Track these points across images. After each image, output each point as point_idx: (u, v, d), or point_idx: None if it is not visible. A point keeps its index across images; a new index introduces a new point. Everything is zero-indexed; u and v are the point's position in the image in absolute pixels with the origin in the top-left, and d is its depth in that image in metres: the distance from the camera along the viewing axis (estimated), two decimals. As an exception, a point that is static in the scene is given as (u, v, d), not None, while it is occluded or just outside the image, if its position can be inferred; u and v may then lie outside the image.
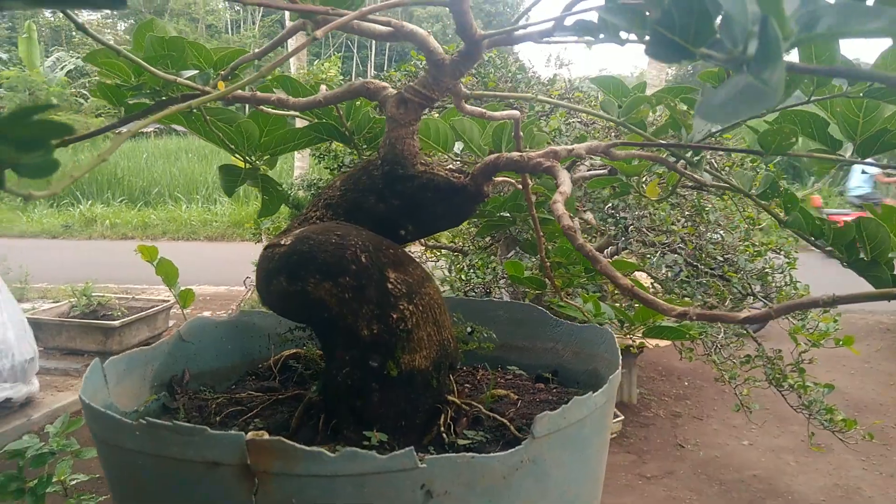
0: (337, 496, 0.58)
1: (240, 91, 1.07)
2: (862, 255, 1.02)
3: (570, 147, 0.91)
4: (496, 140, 1.27)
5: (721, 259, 2.10)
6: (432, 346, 0.83)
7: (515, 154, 0.91)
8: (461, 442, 0.78)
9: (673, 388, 5.34)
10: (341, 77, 4.45)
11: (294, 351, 1.07)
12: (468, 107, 0.99)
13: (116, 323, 4.92)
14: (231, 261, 7.99)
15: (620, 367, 0.80)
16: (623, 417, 4.23)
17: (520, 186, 1.18)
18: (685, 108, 0.97)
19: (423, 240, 2.59)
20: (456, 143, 1.34)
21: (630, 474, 3.79)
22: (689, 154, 1.00)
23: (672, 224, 2.18)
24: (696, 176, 1.01)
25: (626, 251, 2.30)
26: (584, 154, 0.92)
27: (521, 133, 1.14)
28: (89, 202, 12.59)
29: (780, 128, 0.85)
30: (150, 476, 0.64)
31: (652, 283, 2.47)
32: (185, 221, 11.57)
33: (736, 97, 0.39)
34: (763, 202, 1.03)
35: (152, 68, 0.92)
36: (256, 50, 1.07)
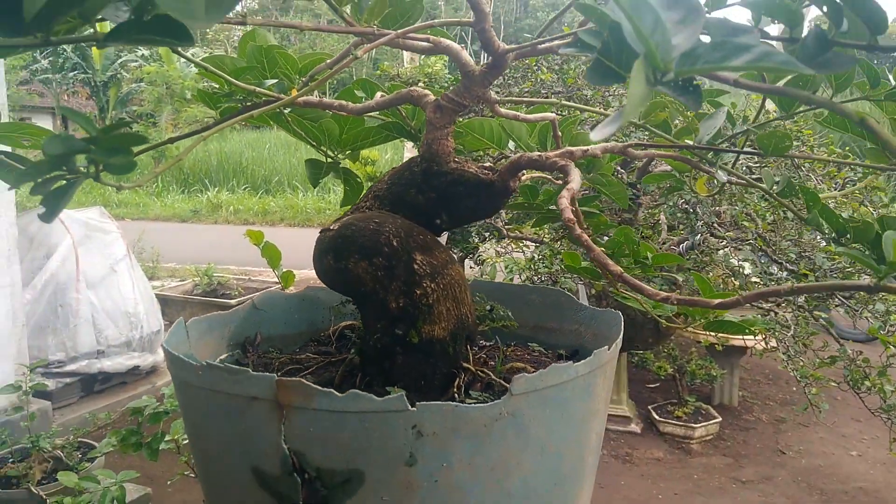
0: (344, 428, 0.73)
1: (310, 97, 1.25)
2: (889, 256, 1.05)
3: (585, 147, 1.01)
4: (542, 139, 1.38)
5: (795, 256, 2.08)
6: (451, 319, 0.96)
7: (535, 154, 1.02)
8: (468, 401, 0.91)
9: (779, 392, 5.15)
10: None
11: (349, 323, 1.24)
12: (502, 110, 1.11)
13: (233, 301, 5.35)
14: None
15: (617, 346, 0.90)
16: (720, 419, 4.17)
17: (557, 182, 1.29)
18: (691, 113, 1.04)
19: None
20: (510, 142, 1.46)
21: (724, 477, 3.74)
22: (709, 154, 1.08)
23: (744, 220, 2.19)
24: (714, 174, 1.08)
25: (697, 248, 2.32)
26: (598, 154, 1.02)
27: (561, 133, 1.25)
28: (216, 189, 13.60)
29: (774, 131, 0.91)
30: (208, 406, 0.82)
31: (734, 268, 2.46)
32: (301, 209, 12.27)
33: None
34: (784, 199, 1.08)
35: (236, 81, 1.11)
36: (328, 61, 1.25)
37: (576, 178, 0.95)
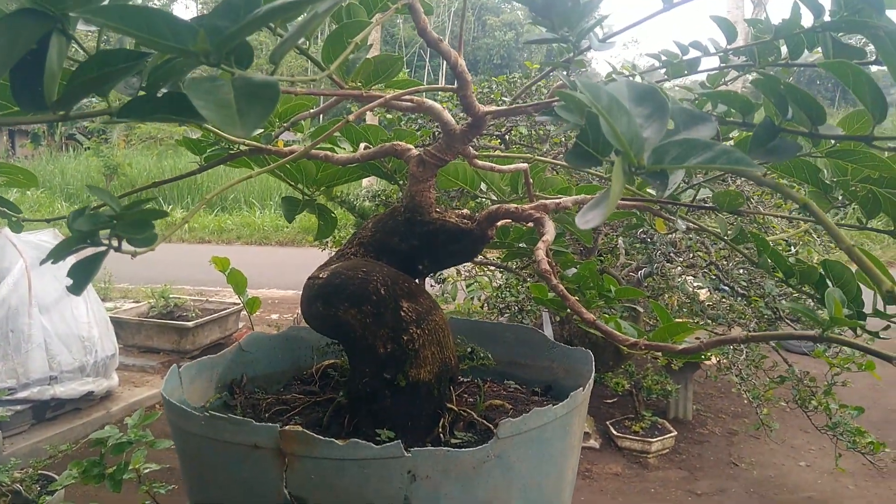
0: (344, 474, 0.78)
1: (295, 146, 1.31)
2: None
3: (557, 199, 1.09)
4: (513, 182, 1.46)
5: (745, 283, 2.21)
6: (435, 362, 1.03)
7: (512, 206, 1.09)
8: (454, 441, 0.97)
9: (731, 405, 5.32)
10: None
11: (332, 361, 1.29)
12: (479, 162, 1.19)
13: (190, 324, 5.28)
14: (300, 265, 8.37)
15: (589, 386, 0.98)
16: (676, 433, 4.29)
17: (529, 225, 1.37)
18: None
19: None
20: (481, 184, 1.54)
21: (680, 490, 3.85)
22: (668, 205, 1.17)
23: (698, 250, 2.31)
24: (675, 222, 1.17)
25: (655, 275, 2.44)
26: (570, 206, 1.10)
27: (532, 179, 1.33)
28: (170, 207, 13.37)
29: (729, 191, 1.01)
30: (210, 454, 0.87)
31: (701, 300, 2.59)
32: (258, 227, 12.15)
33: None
34: (737, 246, 1.18)
35: (225, 134, 1.16)
36: (313, 109, 1.31)
37: (550, 231, 1.03)
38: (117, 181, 14.25)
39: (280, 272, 8.58)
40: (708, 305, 2.41)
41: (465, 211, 1.22)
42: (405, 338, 1.01)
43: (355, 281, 1.03)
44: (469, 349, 1.18)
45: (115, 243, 0.66)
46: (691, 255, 2.38)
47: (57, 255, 0.63)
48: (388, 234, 1.15)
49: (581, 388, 0.95)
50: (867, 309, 1.03)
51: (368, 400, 1.02)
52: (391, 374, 1.00)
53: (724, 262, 2.30)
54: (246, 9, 0.62)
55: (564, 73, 0.94)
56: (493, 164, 1.21)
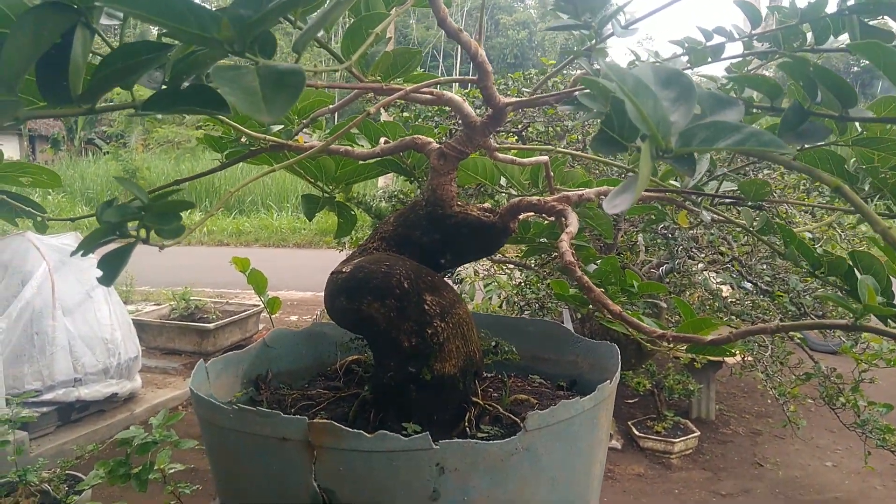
0: (373, 467, 0.78)
1: (314, 142, 1.31)
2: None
3: (580, 191, 1.09)
4: (533, 176, 1.45)
5: (769, 279, 2.19)
6: (460, 356, 1.02)
7: (535, 198, 1.09)
8: (480, 435, 0.97)
9: (755, 405, 5.26)
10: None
11: (356, 357, 1.29)
12: (500, 155, 1.18)
13: (211, 326, 5.32)
14: (318, 267, 8.41)
15: (616, 380, 0.97)
16: (699, 433, 4.25)
17: (551, 219, 1.36)
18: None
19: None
20: (501, 178, 1.53)
21: (704, 491, 3.82)
22: (692, 197, 1.16)
23: (720, 245, 2.29)
24: (700, 213, 1.16)
25: (676, 271, 2.42)
26: (592, 198, 1.10)
27: (553, 173, 1.32)
28: (189, 210, 13.48)
29: (755, 180, 0.99)
30: (238, 447, 0.87)
31: (714, 292, 2.56)
32: (276, 229, 12.22)
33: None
34: (763, 237, 1.17)
35: (245, 129, 1.16)
36: (331, 106, 1.31)
37: (574, 223, 1.03)
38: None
39: (298, 274, 8.63)
40: (731, 302, 2.38)
41: (487, 205, 1.21)
42: (429, 331, 1.00)
43: (378, 275, 1.03)
44: (493, 343, 1.18)
45: (143, 234, 0.67)
46: (713, 250, 2.35)
47: (87, 246, 0.64)
48: (409, 227, 1.15)
49: (608, 381, 0.94)
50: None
51: (394, 394, 1.01)
52: (416, 368, 1.00)
53: (747, 258, 2.27)
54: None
55: (586, 61, 0.93)
56: (514, 158, 1.21)
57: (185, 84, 0.77)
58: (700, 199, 1.12)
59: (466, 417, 1.02)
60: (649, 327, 0.94)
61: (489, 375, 1.22)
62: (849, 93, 0.67)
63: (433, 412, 1.00)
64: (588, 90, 0.78)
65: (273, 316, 3.04)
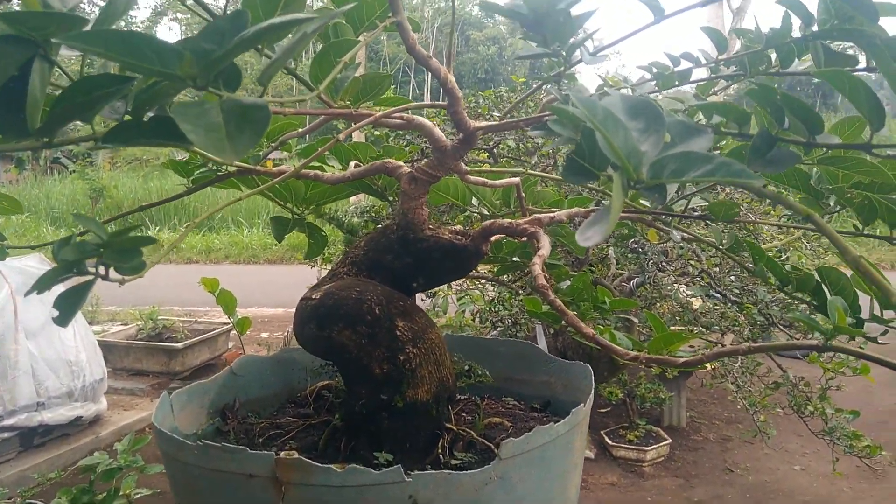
0: (343, 501, 0.76)
1: (284, 167, 1.29)
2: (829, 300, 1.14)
3: (551, 213, 1.08)
4: (505, 196, 1.45)
5: (738, 291, 2.21)
6: (433, 382, 1.01)
7: (506, 221, 1.08)
8: (454, 462, 0.95)
9: (724, 410, 5.31)
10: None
11: (326, 382, 1.27)
12: (471, 178, 1.18)
13: (179, 345, 5.22)
14: (288, 284, 8.33)
15: (590, 402, 0.96)
16: (670, 441, 4.27)
17: (523, 239, 1.36)
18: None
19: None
20: (472, 198, 1.53)
21: (677, 498, 3.83)
22: (662, 216, 1.16)
23: (690, 259, 2.31)
24: (670, 233, 1.16)
25: (647, 284, 2.44)
26: (564, 219, 1.09)
27: (524, 193, 1.32)
28: (157, 228, 13.28)
29: (723, 201, 1.00)
30: (204, 483, 0.84)
31: (694, 309, 2.59)
32: (246, 246, 12.08)
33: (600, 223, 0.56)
34: (732, 254, 1.18)
35: (212, 156, 1.14)
36: (300, 130, 1.30)
37: (546, 245, 1.02)
38: (103, 204, 14.15)
39: (269, 290, 8.52)
40: (700, 313, 2.41)
41: (458, 227, 1.20)
42: (401, 357, 0.99)
43: (349, 301, 1.01)
44: (466, 367, 1.17)
45: (102, 272, 0.64)
46: (682, 263, 2.38)
47: (43, 285, 0.61)
48: (380, 252, 1.13)
49: (582, 405, 0.93)
50: (864, 314, 1.03)
51: (365, 422, 1.00)
52: (388, 395, 0.98)
53: (716, 270, 2.30)
54: (232, 31, 0.61)
55: (555, 87, 0.93)
56: (485, 179, 1.20)
57: (148, 115, 0.75)
58: (670, 218, 1.13)
59: (440, 444, 1.00)
60: (622, 349, 0.94)
61: (462, 398, 1.21)
62: (815, 120, 0.68)
63: (406, 440, 0.99)
64: (557, 117, 0.77)
65: (243, 335, 3.00)
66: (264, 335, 6.97)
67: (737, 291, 2.14)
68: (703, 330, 2.34)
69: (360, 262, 1.14)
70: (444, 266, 1.13)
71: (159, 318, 5.85)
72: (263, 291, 8.44)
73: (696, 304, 2.35)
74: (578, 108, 0.62)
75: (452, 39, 0.97)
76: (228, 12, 0.62)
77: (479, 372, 1.16)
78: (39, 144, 0.68)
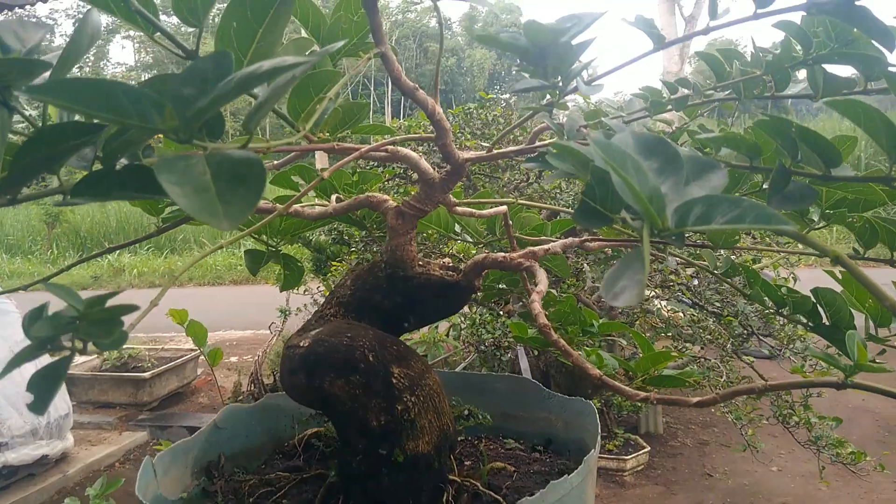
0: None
1: (262, 204, 1.23)
2: (824, 321, 1.12)
3: (546, 246, 1.04)
4: (490, 224, 1.41)
5: (719, 305, 2.21)
6: (433, 431, 0.96)
7: (500, 255, 1.04)
8: (461, 518, 0.90)
9: (700, 415, 5.34)
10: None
11: (315, 430, 1.20)
12: (459, 209, 1.13)
13: (147, 375, 5.06)
14: (256, 304, 8.17)
15: (598, 444, 0.92)
16: (649, 448, 4.27)
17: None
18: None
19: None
20: (456, 225, 1.49)
21: (660, 507, 3.83)
22: (659, 243, 1.13)
23: (670, 274, 2.31)
24: (665, 256, 1.14)
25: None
26: (559, 251, 1.06)
27: (511, 220, 1.28)
28: (117, 252, 12.95)
29: (723, 229, 0.98)
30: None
31: (667, 320, 2.58)
32: (210, 267, 11.83)
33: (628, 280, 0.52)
34: (726, 279, 1.15)
35: (206, 222, 1.07)
36: (275, 162, 1.24)
37: (543, 281, 0.98)
38: (60, 229, 13.74)
39: (236, 312, 8.34)
40: (682, 326, 2.40)
41: (447, 260, 1.16)
42: (399, 407, 0.93)
43: (340, 348, 0.95)
44: (466, 411, 1.12)
45: (79, 345, 0.58)
46: (662, 277, 2.37)
47: (13, 366, 0.55)
48: (369, 291, 1.08)
49: (592, 450, 0.89)
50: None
51: (364, 479, 0.94)
52: (387, 449, 0.93)
53: (695, 284, 2.30)
54: (215, 74, 0.56)
55: (547, 116, 0.90)
56: (473, 210, 1.16)
57: (121, 163, 0.69)
58: (665, 246, 1.10)
59: (444, 499, 0.95)
60: (633, 391, 0.90)
61: (460, 439, 1.16)
62: (833, 153, 0.65)
63: (408, 496, 0.93)
64: (558, 152, 0.74)
65: (246, 405, 2.87)
66: (234, 359, 6.82)
67: (718, 304, 2.13)
68: (688, 346, 2.33)
69: (347, 302, 1.09)
70: (435, 303, 1.08)
71: (124, 346, 5.66)
72: (230, 313, 8.26)
73: (681, 318, 2.34)
74: (593, 149, 0.58)
75: (438, 69, 0.93)
76: (209, 53, 0.57)
77: (480, 416, 1.11)
78: (6, 202, 0.62)
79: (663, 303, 2.42)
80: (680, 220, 0.55)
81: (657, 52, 0.81)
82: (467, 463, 1.07)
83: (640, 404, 4.29)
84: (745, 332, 2.27)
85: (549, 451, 1.16)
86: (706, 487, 4.04)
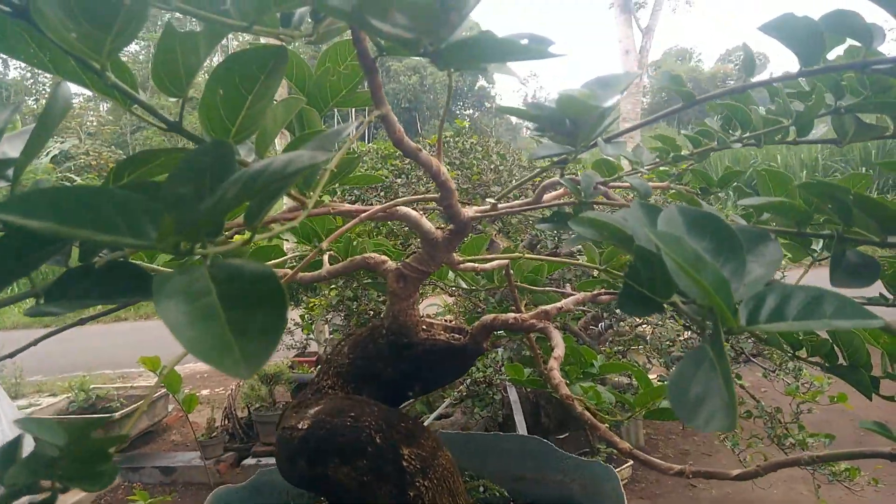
0: None
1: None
2: (840, 361, 1.08)
3: (559, 305, 0.98)
4: (488, 274, 1.35)
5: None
6: (450, 516, 0.88)
7: (511, 316, 0.97)
8: None
9: (679, 425, 5.33)
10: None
11: (314, 506, 1.12)
12: (463, 266, 1.06)
13: (116, 415, 4.86)
14: (227, 335, 7.94)
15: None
16: (631, 462, 4.22)
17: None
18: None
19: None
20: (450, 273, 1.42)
21: (647, 521, 3.78)
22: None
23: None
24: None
25: (613, 329, 2.38)
26: (571, 308, 0.99)
27: (512, 270, 1.22)
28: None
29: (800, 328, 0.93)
30: None
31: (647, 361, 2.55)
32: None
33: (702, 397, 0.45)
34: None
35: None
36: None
37: (560, 344, 0.91)
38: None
39: (205, 343, 8.10)
40: (671, 353, 2.36)
41: (450, 318, 1.09)
42: (412, 494, 0.86)
43: (344, 430, 0.87)
44: (481, 486, 1.04)
45: (61, 488, 0.50)
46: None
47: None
48: (370, 360, 1.00)
49: (625, 531, 0.82)
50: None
51: (377, 575, 0.86)
52: (401, 541, 0.85)
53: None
54: (215, 172, 0.48)
55: (561, 173, 0.84)
56: (475, 265, 1.09)
57: (101, 260, 0.61)
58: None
59: (466, 591, 0.87)
60: (665, 465, 0.83)
61: (472, 512, 1.09)
62: (891, 218, 0.60)
63: (427, 591, 0.86)
64: (585, 224, 0.67)
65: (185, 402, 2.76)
66: (205, 392, 6.63)
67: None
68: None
69: (346, 372, 1.01)
70: (441, 369, 1.00)
71: (91, 387, 5.46)
72: (200, 345, 8.02)
73: (677, 350, 2.30)
74: (644, 233, 0.52)
75: (441, 130, 0.86)
76: (206, 143, 0.49)
77: (497, 492, 1.03)
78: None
79: (647, 328, 2.38)
80: (751, 318, 0.49)
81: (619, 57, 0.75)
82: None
83: (620, 418, 4.23)
84: (736, 354, 2.24)
85: (568, 520, 1.09)
86: (690, 498, 4.01)
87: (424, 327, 0.99)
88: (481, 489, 1.04)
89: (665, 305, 0.58)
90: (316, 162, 0.46)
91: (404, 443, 0.89)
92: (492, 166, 2.56)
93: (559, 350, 0.91)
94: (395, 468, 0.86)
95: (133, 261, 0.60)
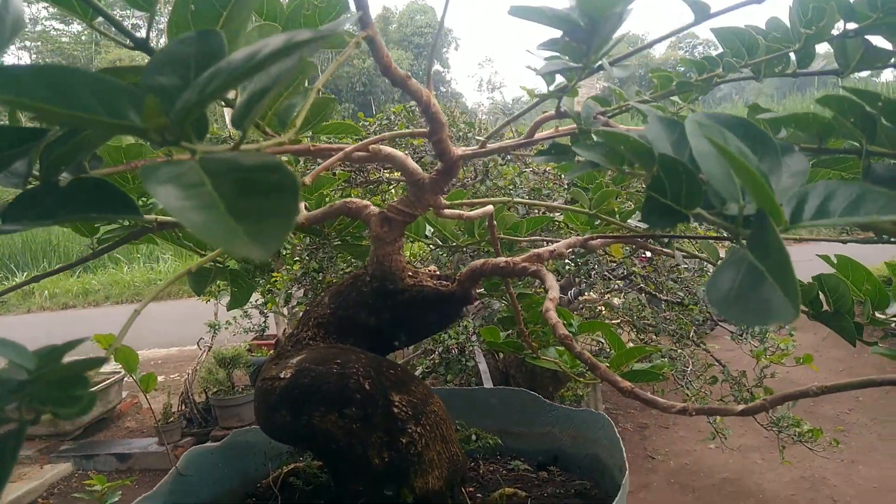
0: None
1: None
2: (826, 308, 1.08)
3: (551, 248, 0.94)
4: (468, 227, 1.30)
5: (681, 294, 2.19)
6: (443, 463, 0.84)
7: (501, 260, 0.93)
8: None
9: (636, 402, 5.41)
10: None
11: (293, 466, 1.06)
12: (447, 211, 1.02)
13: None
14: (179, 320, 7.78)
15: (626, 467, 0.83)
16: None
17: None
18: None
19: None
20: (427, 228, 1.37)
21: (606, 494, 3.84)
22: (663, 239, 1.06)
23: (633, 266, 2.27)
24: (669, 253, 1.06)
25: (589, 292, 2.37)
26: (564, 252, 0.96)
27: (495, 222, 1.18)
28: (24, 273, 12.07)
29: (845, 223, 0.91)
30: None
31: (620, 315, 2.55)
32: (128, 283, 11.19)
33: (743, 294, 0.42)
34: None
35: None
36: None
37: (554, 286, 0.88)
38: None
39: (159, 329, 7.88)
40: (643, 318, 2.37)
41: (433, 268, 1.04)
42: (404, 440, 0.81)
43: (330, 378, 0.82)
44: (473, 435, 1.00)
45: (29, 416, 0.44)
46: (625, 269, 2.32)
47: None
48: (352, 308, 0.95)
49: (620, 490, 0.79)
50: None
51: (368, 527, 0.81)
52: (393, 490, 0.80)
53: (655, 274, 2.27)
54: (199, 62, 0.42)
55: (561, 101, 0.80)
56: (461, 213, 1.05)
57: (65, 178, 0.55)
58: (671, 241, 1.03)
59: (461, 540, 0.83)
60: (667, 402, 0.81)
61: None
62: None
63: (421, 542, 0.81)
64: (591, 147, 0.63)
65: (211, 445, 2.66)
66: (161, 378, 6.46)
67: (681, 295, 2.11)
68: (655, 337, 2.30)
69: (327, 322, 0.95)
70: (428, 317, 0.96)
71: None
72: (153, 330, 7.81)
73: (649, 316, 2.30)
74: (689, 128, 0.48)
75: (431, 57, 0.81)
76: (185, 35, 0.43)
77: (491, 440, 1.00)
78: None
79: (615, 299, 2.38)
80: (795, 216, 0.45)
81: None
82: (470, 489, 0.96)
83: (581, 394, 4.28)
84: (704, 318, 2.26)
85: (557, 468, 1.05)
86: (650, 470, 4.08)
87: (411, 273, 0.94)
88: (473, 437, 1.01)
89: (691, 216, 0.54)
90: (313, 39, 0.41)
91: (394, 389, 0.84)
92: (459, 134, 2.51)
93: (554, 292, 0.87)
94: (386, 415, 0.82)
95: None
